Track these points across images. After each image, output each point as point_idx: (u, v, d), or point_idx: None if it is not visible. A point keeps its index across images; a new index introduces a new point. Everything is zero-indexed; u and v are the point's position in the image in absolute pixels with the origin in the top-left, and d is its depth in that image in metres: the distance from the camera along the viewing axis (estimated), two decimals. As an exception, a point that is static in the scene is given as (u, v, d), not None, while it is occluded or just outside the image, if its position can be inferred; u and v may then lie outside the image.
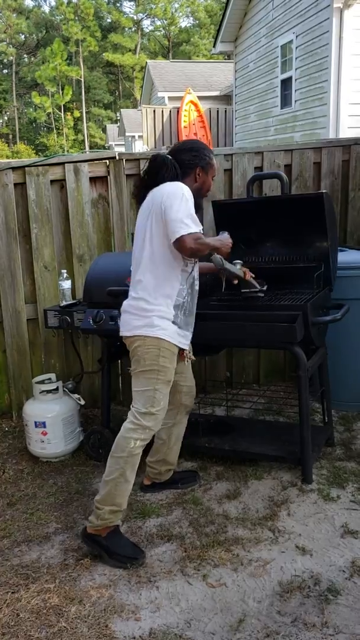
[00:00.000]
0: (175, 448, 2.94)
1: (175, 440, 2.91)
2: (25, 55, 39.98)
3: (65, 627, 2.11)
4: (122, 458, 2.47)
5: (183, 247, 2.38)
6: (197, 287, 2.63)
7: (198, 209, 2.54)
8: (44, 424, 3.27)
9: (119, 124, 25.72)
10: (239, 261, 2.91)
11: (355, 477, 2.98)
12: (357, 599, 2.17)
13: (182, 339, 2.58)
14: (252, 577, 2.32)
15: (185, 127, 13.52)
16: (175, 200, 2.39)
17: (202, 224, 2.53)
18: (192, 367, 2.87)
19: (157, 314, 2.47)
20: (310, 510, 2.74)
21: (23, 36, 39.68)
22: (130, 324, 2.54)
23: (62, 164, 3.72)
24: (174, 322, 2.51)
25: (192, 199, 2.45)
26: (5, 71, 39.07)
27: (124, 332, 2.57)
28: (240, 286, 2.96)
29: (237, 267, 2.84)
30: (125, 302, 2.59)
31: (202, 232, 2.44)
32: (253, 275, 2.97)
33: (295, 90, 9.45)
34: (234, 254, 3.57)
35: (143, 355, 2.50)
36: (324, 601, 2.17)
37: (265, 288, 3.05)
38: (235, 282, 2.88)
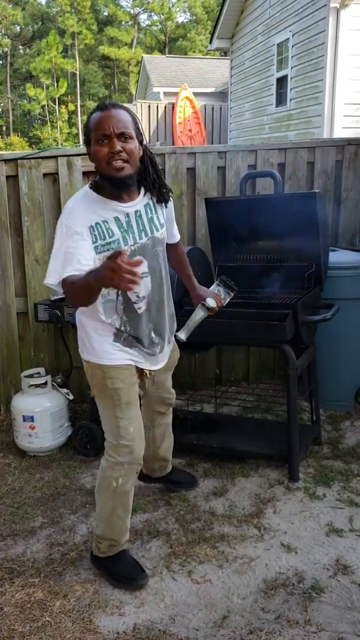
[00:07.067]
0: (165, 445, 2.77)
1: (161, 439, 2.72)
2: (20, 47, 39.69)
3: (49, 621, 2.11)
4: (109, 497, 2.27)
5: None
6: (143, 308, 2.20)
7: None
8: (32, 418, 3.26)
9: (113, 118, 25.54)
10: (209, 299, 2.53)
11: (341, 476, 3.00)
12: (341, 597, 2.19)
13: (134, 356, 2.24)
14: (237, 574, 2.33)
15: (180, 123, 13.52)
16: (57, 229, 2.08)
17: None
18: (182, 363, 2.80)
19: (92, 332, 2.19)
20: (296, 508, 2.76)
21: (18, 27, 39.37)
22: (79, 343, 2.28)
23: (55, 157, 3.69)
24: (115, 342, 2.19)
25: (73, 216, 2.04)
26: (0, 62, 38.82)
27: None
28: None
29: (204, 311, 2.52)
30: None
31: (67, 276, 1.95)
32: (223, 303, 2.60)
33: (291, 89, 9.45)
34: (226, 253, 3.60)
35: (92, 380, 2.26)
36: (307, 599, 2.18)
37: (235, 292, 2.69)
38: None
